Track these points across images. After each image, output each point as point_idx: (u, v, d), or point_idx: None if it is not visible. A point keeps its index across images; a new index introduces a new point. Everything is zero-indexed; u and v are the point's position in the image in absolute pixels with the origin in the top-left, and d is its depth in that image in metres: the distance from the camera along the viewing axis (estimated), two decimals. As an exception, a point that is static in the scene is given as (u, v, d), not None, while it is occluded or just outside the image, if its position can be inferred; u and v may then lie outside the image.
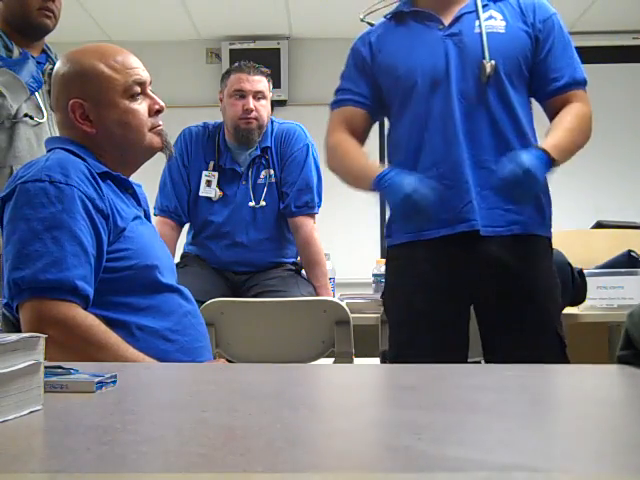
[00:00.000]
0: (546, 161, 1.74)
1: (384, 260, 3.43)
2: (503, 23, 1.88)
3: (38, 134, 2.37)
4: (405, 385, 1.06)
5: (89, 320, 1.42)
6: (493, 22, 1.88)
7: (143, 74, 1.60)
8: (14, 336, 0.70)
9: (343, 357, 2.39)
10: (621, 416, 0.78)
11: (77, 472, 0.53)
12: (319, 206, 2.84)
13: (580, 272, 2.26)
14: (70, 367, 0.90)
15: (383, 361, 2.33)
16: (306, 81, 5.82)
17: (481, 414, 0.74)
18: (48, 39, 2.50)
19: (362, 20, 2.02)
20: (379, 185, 1.81)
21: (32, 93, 2.33)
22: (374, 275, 3.15)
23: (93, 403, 0.80)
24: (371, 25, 2.01)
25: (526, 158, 1.70)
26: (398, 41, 1.94)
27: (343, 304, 2.44)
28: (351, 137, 1.98)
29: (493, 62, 1.83)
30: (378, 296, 2.78)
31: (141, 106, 1.58)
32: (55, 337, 1.37)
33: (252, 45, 5.73)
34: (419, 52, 1.89)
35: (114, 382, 0.89)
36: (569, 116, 1.85)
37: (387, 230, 2.01)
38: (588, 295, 2.23)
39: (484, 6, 1.90)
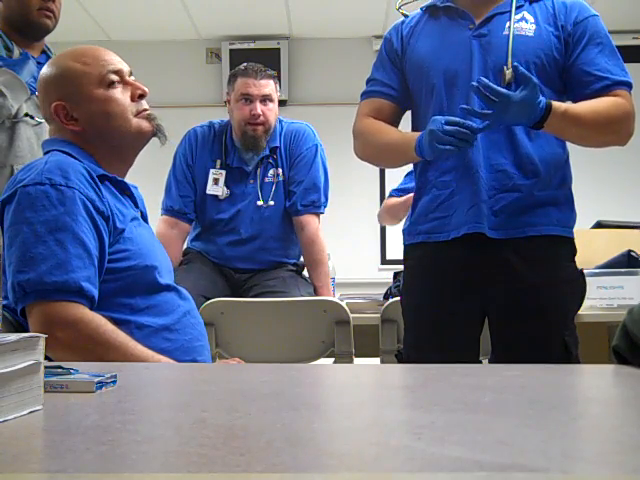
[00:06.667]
0: (544, 102, 1.71)
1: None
2: (533, 26, 1.85)
3: (39, 134, 2.37)
4: (405, 385, 1.06)
5: (97, 320, 1.42)
6: (523, 24, 1.84)
7: (119, 64, 1.61)
8: (14, 336, 0.70)
9: (343, 357, 2.40)
10: (621, 416, 0.78)
11: (77, 472, 0.53)
12: (325, 206, 2.85)
13: (580, 272, 2.26)
14: (70, 367, 0.90)
15: (398, 360, 2.34)
16: (306, 81, 5.83)
17: (481, 414, 0.74)
18: (48, 39, 2.51)
19: (397, 10, 2.00)
20: (421, 140, 1.79)
21: (32, 93, 2.33)
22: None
23: (93, 403, 0.80)
24: (405, 16, 1.99)
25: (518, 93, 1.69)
26: (427, 37, 1.93)
27: (343, 304, 2.44)
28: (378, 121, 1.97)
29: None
30: (378, 296, 2.79)
31: (121, 93, 1.58)
32: (64, 339, 1.38)
33: (252, 45, 5.73)
34: (445, 51, 1.88)
35: (114, 382, 0.89)
36: (597, 101, 1.80)
37: (404, 229, 2.02)
38: (588, 295, 2.22)
39: (518, 7, 1.86)
